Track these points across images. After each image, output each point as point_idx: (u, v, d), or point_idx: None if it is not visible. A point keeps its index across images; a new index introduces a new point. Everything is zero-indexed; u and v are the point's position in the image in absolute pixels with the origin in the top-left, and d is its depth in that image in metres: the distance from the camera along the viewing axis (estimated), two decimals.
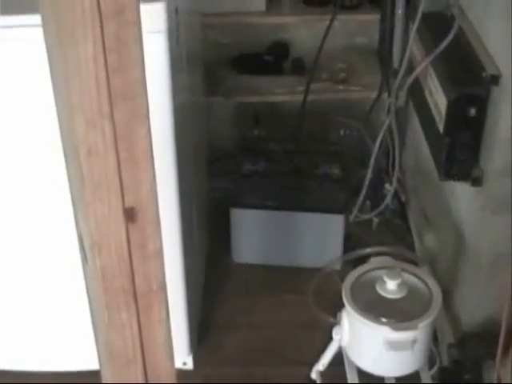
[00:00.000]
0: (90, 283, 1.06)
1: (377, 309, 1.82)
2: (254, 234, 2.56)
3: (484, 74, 1.77)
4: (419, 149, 2.47)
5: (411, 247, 2.63)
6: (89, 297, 1.09)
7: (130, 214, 0.97)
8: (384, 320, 1.79)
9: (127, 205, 0.96)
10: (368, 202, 2.71)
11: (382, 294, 1.85)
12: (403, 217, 2.79)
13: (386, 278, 1.85)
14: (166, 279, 1.06)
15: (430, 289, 1.88)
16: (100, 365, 1.10)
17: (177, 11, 1.76)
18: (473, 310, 2.07)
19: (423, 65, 2.01)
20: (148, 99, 0.92)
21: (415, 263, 2.39)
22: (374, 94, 2.65)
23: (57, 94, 0.93)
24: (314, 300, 2.37)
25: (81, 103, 0.88)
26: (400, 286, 1.85)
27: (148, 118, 0.93)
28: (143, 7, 1.54)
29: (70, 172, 0.98)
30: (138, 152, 0.93)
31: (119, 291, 1.03)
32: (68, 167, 0.98)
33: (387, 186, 2.67)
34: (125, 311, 1.04)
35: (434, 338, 2.10)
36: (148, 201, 0.97)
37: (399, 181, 2.78)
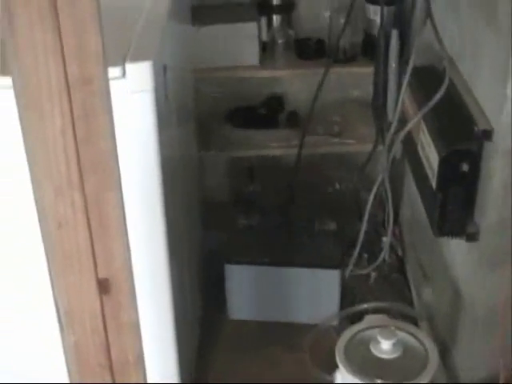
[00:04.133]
0: (66, 354, 1.04)
1: (371, 370, 1.78)
2: (248, 290, 2.52)
3: (476, 129, 1.75)
4: (415, 202, 2.45)
5: (410, 302, 2.59)
6: (67, 367, 1.06)
7: (103, 286, 0.95)
8: (379, 381, 1.74)
9: (100, 276, 0.94)
10: (365, 256, 2.68)
11: (377, 354, 1.81)
12: (401, 271, 2.75)
13: (380, 338, 1.81)
14: (143, 351, 1.03)
15: (426, 348, 1.84)
16: None
17: (165, 68, 1.75)
18: (471, 366, 2.03)
19: (415, 120, 1.99)
20: (119, 168, 0.89)
21: (414, 319, 2.36)
22: (369, 147, 2.63)
23: (29, 164, 0.91)
24: (311, 357, 2.33)
25: (49, 175, 0.86)
26: (395, 345, 1.81)
27: (120, 188, 0.90)
28: (129, 66, 1.56)
29: (44, 243, 0.95)
30: (109, 222, 0.91)
31: (95, 366, 1.00)
32: (42, 238, 0.96)
33: (384, 239, 2.64)
34: None
35: None
36: (122, 272, 0.95)
37: (395, 234, 2.75)
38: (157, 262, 1.74)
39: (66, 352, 1.04)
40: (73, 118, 0.83)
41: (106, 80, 0.83)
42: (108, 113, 0.85)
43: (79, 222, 0.88)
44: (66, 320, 0.97)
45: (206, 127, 2.76)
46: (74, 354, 1.00)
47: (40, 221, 0.93)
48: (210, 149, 2.75)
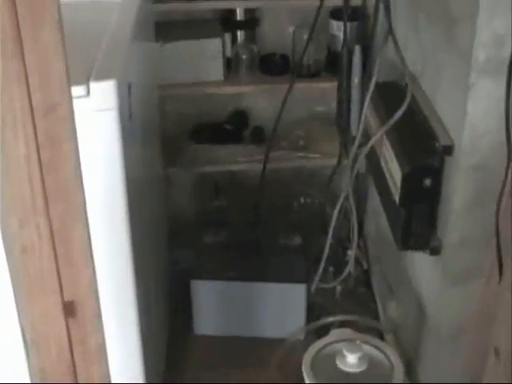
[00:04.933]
0: (32, 378, 1.04)
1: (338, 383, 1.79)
2: (215, 306, 2.53)
3: (437, 145, 1.78)
4: (379, 216, 2.47)
5: (375, 315, 2.61)
6: None
7: (69, 309, 0.95)
8: None
9: (66, 299, 0.94)
10: (331, 270, 2.69)
11: (343, 368, 1.82)
12: (367, 284, 2.77)
13: (345, 352, 1.82)
14: (109, 374, 1.03)
15: (391, 361, 1.86)
16: None
17: (130, 87, 1.75)
18: (436, 381, 2.05)
19: (378, 135, 2.01)
20: (84, 194, 0.90)
21: (379, 332, 2.38)
22: (333, 162, 2.65)
23: None
24: (278, 373, 2.33)
25: (14, 202, 0.86)
26: (360, 359, 1.82)
27: (85, 213, 0.91)
28: (93, 85, 1.56)
29: (10, 268, 0.95)
30: (75, 247, 0.91)
31: None
32: (8, 263, 0.96)
33: (349, 252, 2.66)
34: None
35: None
36: (88, 294, 0.95)
37: (360, 247, 2.77)
38: (122, 282, 1.73)
39: (31, 377, 1.04)
40: (37, 146, 0.83)
41: (71, 106, 0.83)
42: (73, 139, 0.85)
43: (44, 246, 0.89)
44: (32, 345, 0.97)
45: (171, 144, 2.76)
46: (39, 377, 1.00)
47: (5, 246, 0.93)
48: (175, 165, 2.75)
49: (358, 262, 2.74)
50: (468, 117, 1.67)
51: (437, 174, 1.79)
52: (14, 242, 0.88)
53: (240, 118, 2.91)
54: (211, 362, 2.47)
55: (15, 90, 0.79)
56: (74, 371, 0.98)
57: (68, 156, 0.86)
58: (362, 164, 2.47)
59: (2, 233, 0.91)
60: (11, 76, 0.78)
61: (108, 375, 1.02)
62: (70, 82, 0.84)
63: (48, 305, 0.94)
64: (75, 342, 0.97)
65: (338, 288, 2.69)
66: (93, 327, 0.97)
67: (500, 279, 1.53)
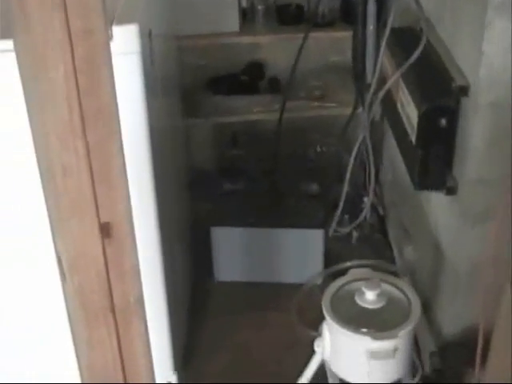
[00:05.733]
0: (68, 301, 1.08)
1: (357, 320, 1.84)
2: (235, 252, 2.58)
3: (453, 85, 1.81)
4: (395, 162, 2.51)
5: (391, 260, 2.66)
6: (68, 314, 1.11)
7: (105, 230, 0.99)
8: (364, 330, 1.81)
9: (102, 220, 0.98)
10: (347, 217, 2.73)
11: (362, 304, 1.87)
12: (383, 231, 2.82)
13: (364, 289, 1.87)
14: (143, 294, 1.08)
15: (408, 298, 1.90)
16: (81, 380, 1.12)
17: (150, 34, 1.78)
18: (453, 319, 2.10)
19: (394, 78, 2.04)
20: (119, 118, 0.94)
21: (396, 275, 2.42)
22: (349, 110, 2.68)
23: (31, 117, 0.95)
24: (297, 317, 2.39)
25: (54, 125, 0.90)
26: (379, 296, 1.87)
27: (120, 137, 0.95)
28: (116, 29, 1.59)
29: (46, 192, 1.00)
30: (111, 169, 0.96)
31: (98, 308, 1.05)
32: (44, 187, 1.00)
33: (365, 199, 2.70)
34: (104, 327, 1.06)
35: (417, 347, 2.13)
36: (123, 216, 1.00)
37: (376, 194, 2.81)
38: (147, 226, 1.78)
39: (67, 298, 1.08)
40: (75, 69, 0.87)
41: (107, 32, 0.87)
42: (109, 65, 0.90)
43: (83, 169, 0.93)
44: (69, 265, 1.02)
45: (189, 95, 2.80)
46: (77, 298, 1.05)
47: (42, 169, 0.97)
48: (193, 116, 2.79)
49: (374, 208, 2.79)
50: (484, 56, 1.69)
51: (453, 114, 1.83)
52: (56, 164, 0.92)
53: (256, 69, 2.94)
54: (232, 308, 2.53)
55: (55, 15, 0.83)
56: (110, 289, 1.03)
57: (104, 81, 0.90)
58: (377, 111, 2.50)
59: (40, 157, 0.95)
60: (50, 1, 0.82)
61: (141, 295, 1.07)
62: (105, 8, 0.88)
63: (86, 226, 0.98)
64: (111, 262, 1.02)
65: (355, 234, 2.74)
66: (127, 248, 1.02)
67: None
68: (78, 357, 1.10)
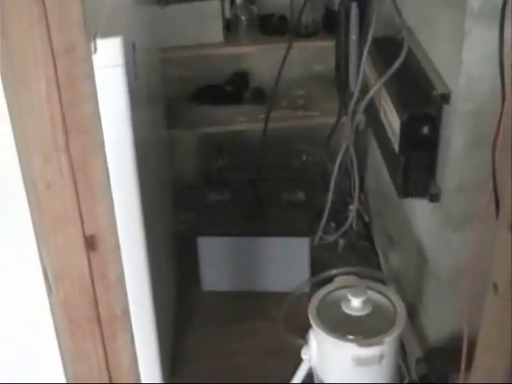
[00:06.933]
0: (54, 313, 1.09)
1: (343, 327, 1.85)
2: (221, 262, 2.59)
3: (434, 93, 1.83)
4: (379, 170, 2.52)
5: (377, 267, 2.67)
6: (55, 326, 1.12)
7: (90, 242, 1.00)
8: (350, 337, 1.82)
9: (87, 233, 1.00)
10: (333, 225, 2.75)
11: (348, 311, 1.89)
12: (369, 238, 2.83)
13: (350, 296, 1.88)
14: (129, 305, 1.09)
15: (394, 305, 1.92)
16: None
17: (134, 46, 1.79)
18: (438, 325, 2.12)
19: (376, 87, 2.06)
20: (103, 132, 0.95)
21: (382, 282, 2.44)
22: (333, 119, 2.70)
23: (14, 132, 0.97)
24: (284, 325, 2.39)
25: (36, 139, 0.91)
26: (364, 303, 1.88)
27: (103, 150, 0.96)
28: (100, 42, 1.60)
29: (31, 206, 1.01)
30: (95, 183, 0.97)
31: (83, 320, 1.06)
32: (29, 201, 1.01)
33: (351, 206, 2.72)
34: (90, 339, 1.07)
35: (403, 353, 2.14)
36: (108, 228, 1.01)
37: (362, 202, 2.83)
38: (132, 230, 1.78)
39: (53, 310, 1.10)
40: (58, 85, 0.88)
41: (89, 47, 0.89)
42: (91, 79, 0.91)
43: (66, 182, 0.94)
44: (55, 278, 1.03)
45: (173, 106, 2.81)
46: (63, 310, 1.06)
47: (27, 184, 0.99)
48: (178, 127, 2.80)
49: (359, 216, 2.80)
50: (464, 64, 1.71)
51: (434, 121, 1.85)
52: (39, 179, 0.93)
53: (240, 79, 2.95)
54: (218, 318, 2.54)
55: (36, 31, 0.84)
56: (96, 303, 1.04)
57: (87, 95, 0.91)
58: (360, 119, 2.52)
59: (24, 172, 0.96)
60: (32, 17, 0.83)
61: (127, 306, 1.08)
62: (87, 24, 0.89)
63: (70, 239, 0.99)
64: (96, 274, 1.03)
65: (341, 242, 2.75)
66: (112, 260, 1.03)
67: (497, 218, 1.58)
68: (64, 368, 1.11)
